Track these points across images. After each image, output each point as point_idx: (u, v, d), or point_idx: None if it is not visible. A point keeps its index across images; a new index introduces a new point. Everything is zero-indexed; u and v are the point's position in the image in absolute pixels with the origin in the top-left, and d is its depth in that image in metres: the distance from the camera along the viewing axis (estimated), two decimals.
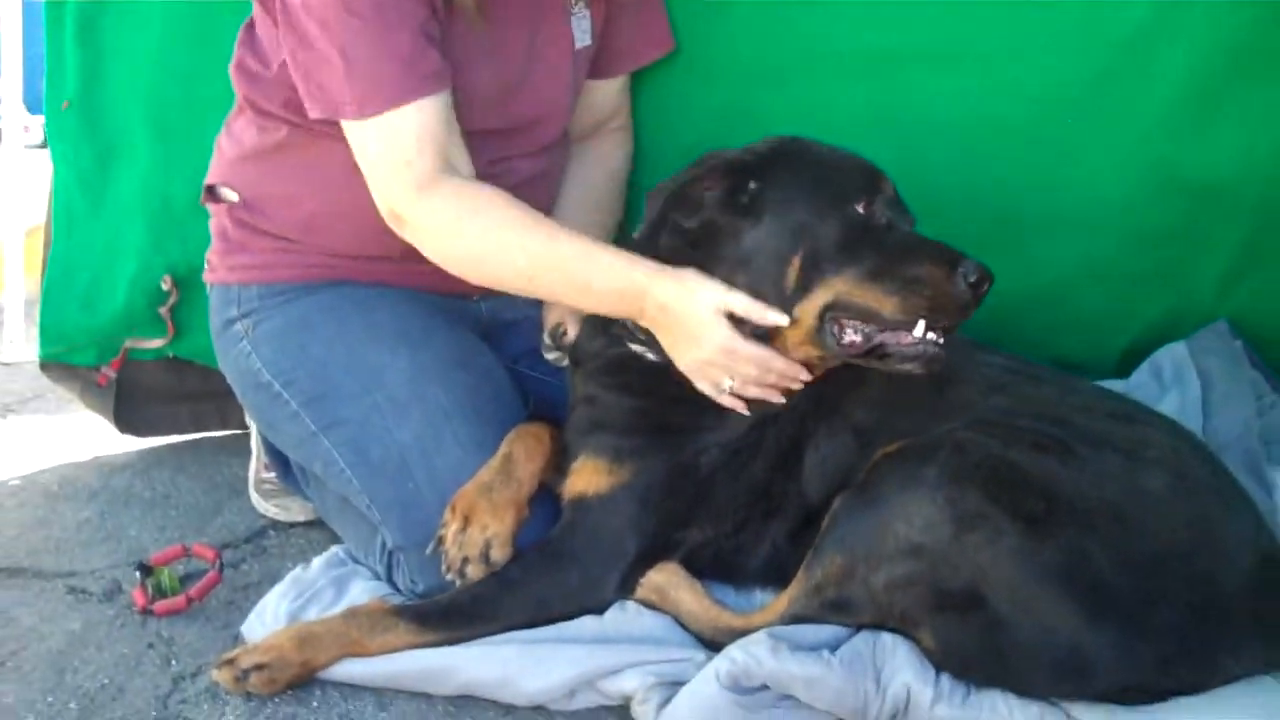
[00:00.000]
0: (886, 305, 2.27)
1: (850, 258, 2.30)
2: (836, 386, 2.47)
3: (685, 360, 2.40)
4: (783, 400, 2.40)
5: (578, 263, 2.43)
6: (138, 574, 2.73)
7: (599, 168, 3.01)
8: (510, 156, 2.68)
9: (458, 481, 2.50)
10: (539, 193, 2.71)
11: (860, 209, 2.34)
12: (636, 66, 3.01)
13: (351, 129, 2.48)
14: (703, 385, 2.41)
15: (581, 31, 2.79)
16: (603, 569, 2.43)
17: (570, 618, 2.41)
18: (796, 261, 2.31)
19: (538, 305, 2.92)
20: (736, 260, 2.36)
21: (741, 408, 2.41)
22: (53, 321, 3.44)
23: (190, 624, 2.66)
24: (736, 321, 2.32)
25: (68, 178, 3.39)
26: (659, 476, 2.46)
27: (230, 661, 2.36)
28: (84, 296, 3.40)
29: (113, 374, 3.49)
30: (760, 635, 2.25)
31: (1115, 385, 2.91)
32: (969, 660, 2.21)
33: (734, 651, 2.21)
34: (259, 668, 2.34)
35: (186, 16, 3.15)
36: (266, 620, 2.53)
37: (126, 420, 3.60)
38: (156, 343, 3.43)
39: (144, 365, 3.52)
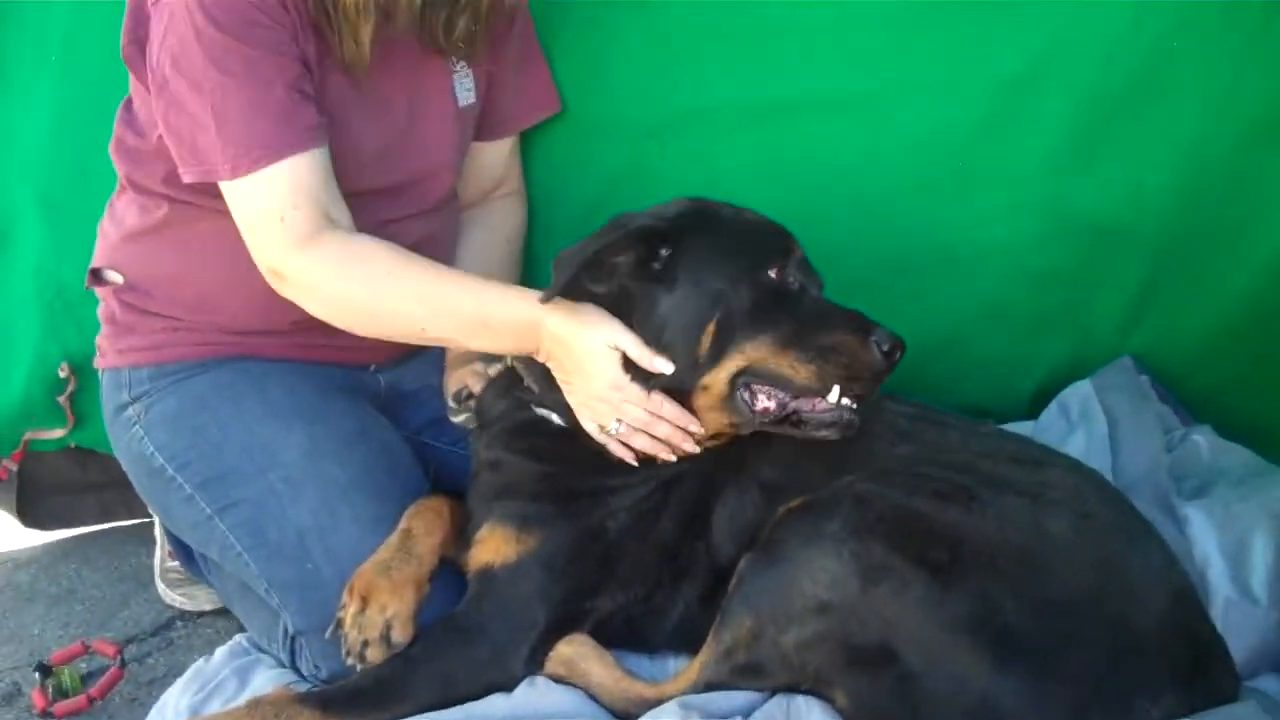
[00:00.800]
0: (802, 373, 2.28)
1: (763, 325, 2.30)
2: (741, 442, 2.44)
3: (577, 396, 2.38)
4: (672, 458, 2.36)
5: (472, 300, 2.42)
6: (36, 675, 2.66)
7: (494, 234, 2.99)
8: (398, 219, 2.64)
9: (357, 560, 2.43)
10: (430, 256, 2.66)
11: (773, 274, 2.34)
12: (522, 128, 3.00)
13: (229, 190, 2.44)
14: (590, 425, 2.38)
15: (464, 90, 2.77)
16: (511, 642, 2.36)
17: (479, 695, 2.33)
18: (711, 329, 2.31)
19: (437, 374, 2.88)
20: (650, 327, 2.34)
21: (629, 456, 2.38)
22: None
23: None
24: (635, 371, 2.31)
25: None
26: (566, 543, 2.40)
27: None
28: None
29: (13, 467, 3.39)
30: (671, 705, 2.19)
31: (1025, 426, 2.90)
32: (883, 717, 2.15)
33: None
34: None
35: (77, 98, 3.09)
36: (168, 717, 2.44)
37: (30, 514, 3.51)
38: (57, 433, 3.33)
39: (45, 456, 3.43)
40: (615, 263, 2.35)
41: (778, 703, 2.21)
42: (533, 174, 3.11)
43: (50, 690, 2.65)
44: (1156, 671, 2.13)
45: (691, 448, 2.36)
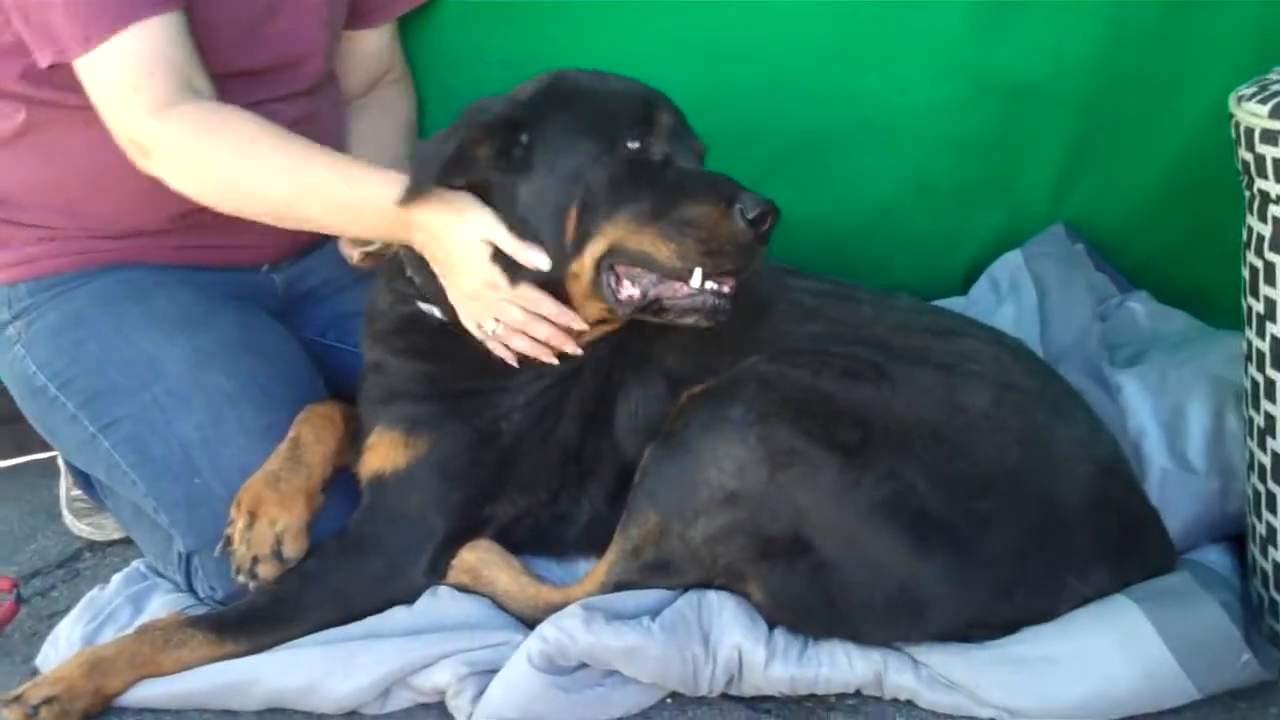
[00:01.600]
0: (661, 250, 2.09)
1: (622, 201, 2.12)
2: (641, 333, 2.30)
3: (454, 292, 2.24)
4: (554, 360, 2.21)
5: (342, 183, 2.25)
6: None
7: (387, 119, 2.87)
8: (269, 100, 2.50)
9: (246, 473, 2.33)
10: (309, 137, 2.53)
11: (633, 145, 2.15)
12: (399, 12, 2.86)
13: (82, 67, 2.30)
14: (469, 324, 2.23)
15: None
16: (408, 553, 2.26)
17: (378, 610, 2.24)
18: (573, 212, 2.13)
19: (337, 269, 2.77)
20: (516, 218, 2.16)
21: (510, 358, 2.23)
22: None
23: None
24: (505, 264, 2.15)
25: None
26: (459, 446, 2.29)
27: (17, 698, 2.16)
28: None
29: None
30: (573, 608, 2.10)
31: (955, 302, 2.80)
32: (801, 610, 2.08)
33: (545, 629, 2.06)
34: (48, 701, 2.14)
35: None
36: (61, 648, 2.35)
37: None
38: None
39: None
40: (475, 155, 2.16)
41: (688, 600, 2.12)
42: (428, 63, 2.97)
43: None
44: (1085, 547, 2.06)
45: (573, 349, 2.20)
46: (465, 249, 2.16)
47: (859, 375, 2.10)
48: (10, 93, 2.47)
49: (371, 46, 2.85)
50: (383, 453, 2.31)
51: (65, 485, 3.03)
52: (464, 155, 2.15)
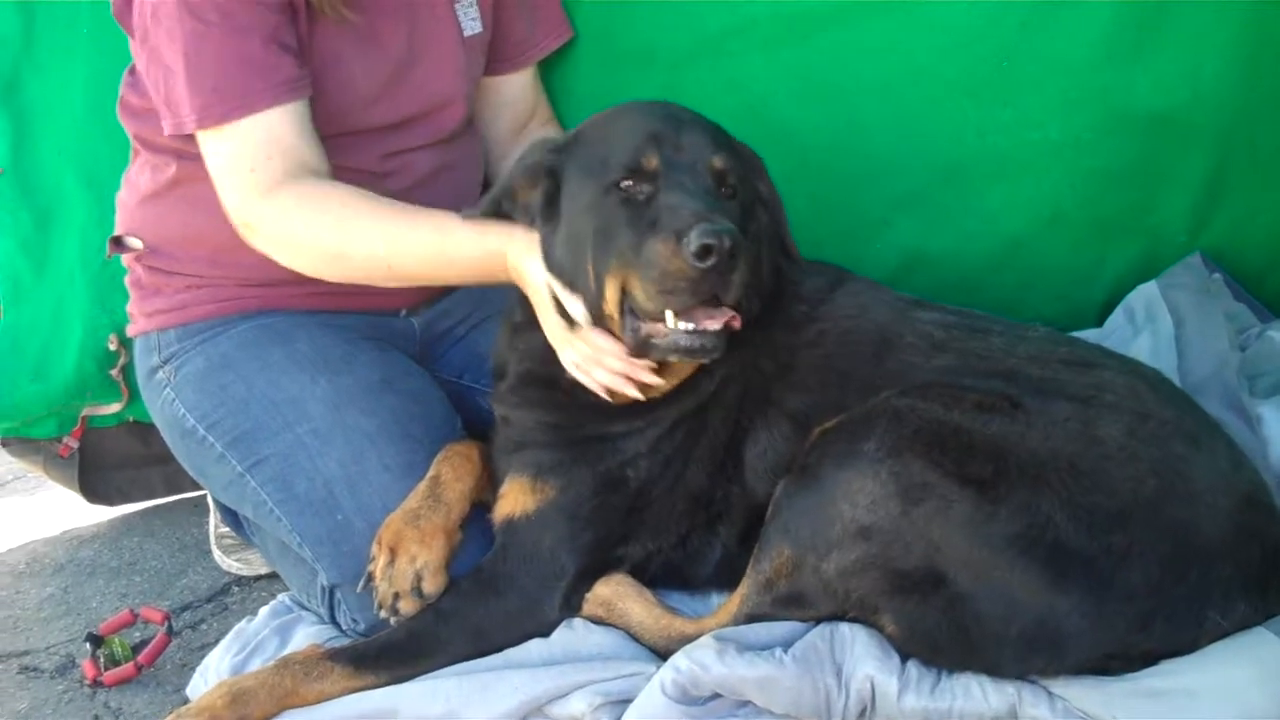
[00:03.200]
0: (636, 290, 2.10)
1: (614, 243, 2.13)
2: (762, 376, 2.32)
3: (545, 328, 2.29)
4: (638, 395, 2.21)
5: (434, 239, 2.35)
6: (87, 646, 2.64)
7: None
8: (407, 150, 2.58)
9: (387, 509, 2.38)
10: (444, 186, 2.62)
11: (625, 185, 2.16)
12: (539, 56, 2.92)
13: (201, 140, 2.41)
14: (564, 361, 2.27)
15: (469, 19, 2.71)
16: (541, 591, 2.29)
17: (514, 644, 2.27)
18: (589, 258, 2.16)
19: (474, 307, 2.84)
20: (557, 266, 2.22)
21: (601, 392, 2.24)
22: (7, 395, 3.30)
23: (141, 691, 2.59)
24: (565, 311, 2.23)
25: (10, 246, 3.28)
26: (586, 491, 2.31)
27: None
28: (35, 366, 3.28)
29: (74, 444, 3.38)
30: (706, 639, 2.10)
31: (1090, 334, 2.76)
32: (935, 643, 2.05)
33: (678, 659, 2.06)
34: None
35: (109, 71, 3.04)
36: (210, 679, 2.41)
37: (95, 490, 3.50)
38: (114, 407, 3.31)
39: (106, 432, 3.41)
40: (522, 200, 2.27)
41: (820, 632, 2.11)
42: (567, 110, 3.01)
43: (102, 660, 2.63)
44: (1225, 579, 2.00)
45: (651, 379, 2.20)
46: (538, 291, 2.24)
47: (992, 408, 2.07)
48: (163, 147, 2.58)
49: (513, 92, 2.92)
50: (513, 499, 2.34)
51: (214, 523, 3.12)
52: (510, 195, 2.28)
